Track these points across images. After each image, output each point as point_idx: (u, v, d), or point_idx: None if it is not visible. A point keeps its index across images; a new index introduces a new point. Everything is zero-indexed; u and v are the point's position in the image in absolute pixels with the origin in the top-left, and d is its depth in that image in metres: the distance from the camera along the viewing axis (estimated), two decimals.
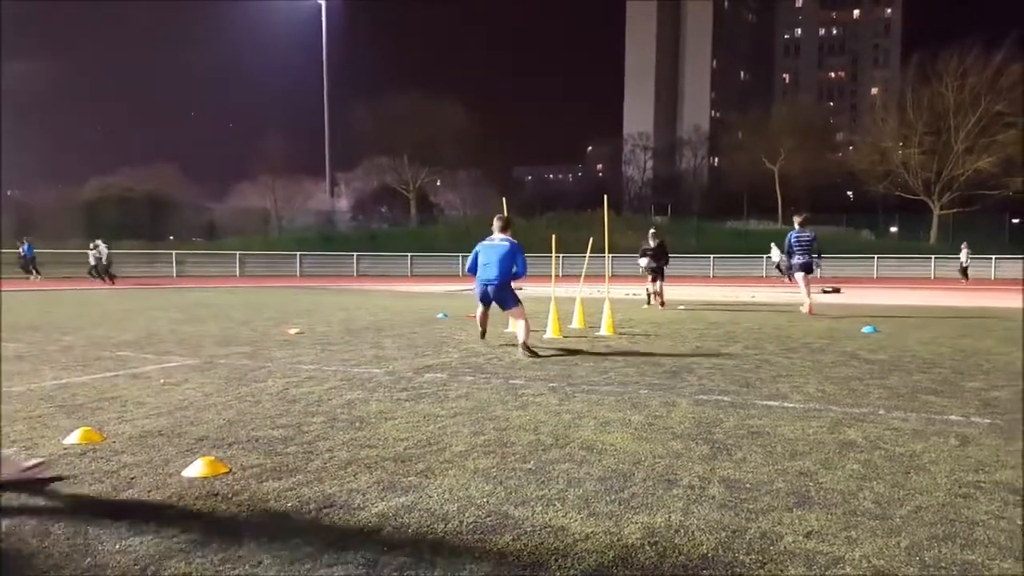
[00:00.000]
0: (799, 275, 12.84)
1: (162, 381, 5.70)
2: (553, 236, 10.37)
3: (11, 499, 2.98)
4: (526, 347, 7.21)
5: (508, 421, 4.36)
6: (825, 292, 19.43)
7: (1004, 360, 6.96)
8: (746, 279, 34.87)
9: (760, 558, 2.41)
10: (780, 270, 28.16)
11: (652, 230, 14.84)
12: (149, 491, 3.07)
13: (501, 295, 7.61)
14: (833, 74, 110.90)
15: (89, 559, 2.40)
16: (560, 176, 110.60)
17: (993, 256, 35.82)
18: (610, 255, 10.59)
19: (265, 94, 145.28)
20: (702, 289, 23.63)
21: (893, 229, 53.07)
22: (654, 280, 13.96)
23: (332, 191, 63.07)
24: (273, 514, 2.82)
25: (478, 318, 8.33)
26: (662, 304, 13.84)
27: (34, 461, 3.35)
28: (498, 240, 7.69)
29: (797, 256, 12.63)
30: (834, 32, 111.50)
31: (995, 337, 9.00)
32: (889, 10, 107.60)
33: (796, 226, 12.76)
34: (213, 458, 3.42)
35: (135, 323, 10.69)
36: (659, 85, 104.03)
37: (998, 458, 3.59)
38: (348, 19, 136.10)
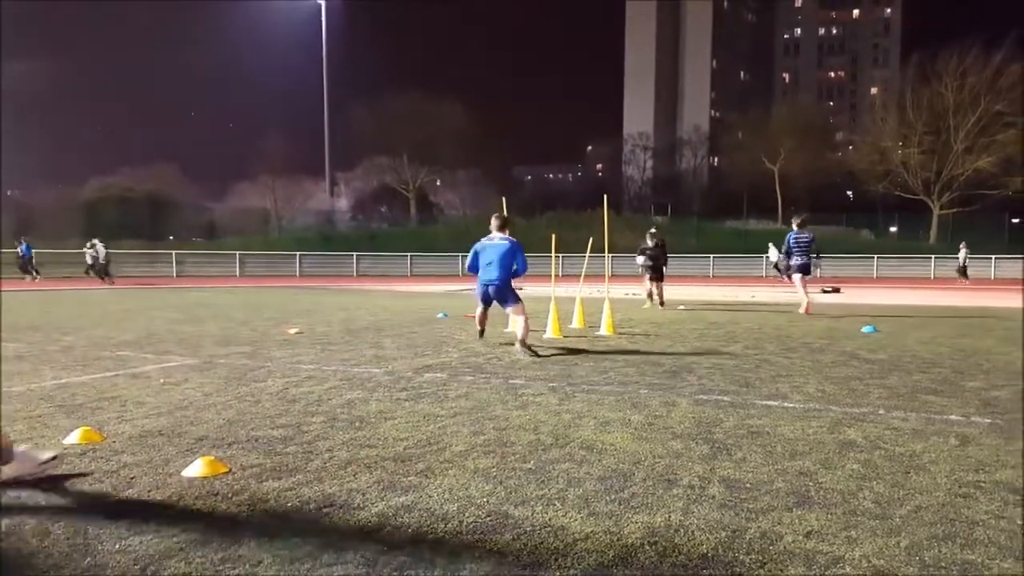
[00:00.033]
0: (797, 276, 12.89)
1: (162, 381, 5.70)
2: (553, 236, 10.36)
3: (11, 499, 2.98)
4: (525, 345, 7.21)
5: (508, 421, 4.36)
6: (825, 292, 19.44)
7: (1004, 360, 6.97)
8: (746, 279, 34.88)
9: (760, 558, 2.41)
10: (778, 270, 28.15)
11: (651, 230, 14.87)
12: (149, 491, 3.07)
13: (502, 294, 7.61)
14: (833, 74, 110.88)
15: (89, 559, 2.40)
16: (560, 176, 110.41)
17: (993, 256, 35.87)
18: (610, 255, 10.58)
19: (265, 94, 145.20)
20: (702, 289, 23.63)
21: (893, 229, 53.08)
22: (652, 280, 13.98)
23: (332, 191, 63.05)
24: (273, 514, 2.82)
25: (477, 318, 8.35)
26: (662, 304, 13.85)
27: (49, 454, 3.35)
28: (498, 239, 7.69)
29: (796, 257, 12.67)
30: (834, 32, 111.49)
31: (995, 337, 9.01)
32: (889, 10, 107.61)
33: (795, 227, 12.81)
34: (213, 458, 3.42)
35: (135, 323, 10.69)
36: (659, 85, 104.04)
37: (998, 458, 3.59)
38: (348, 19, 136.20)
